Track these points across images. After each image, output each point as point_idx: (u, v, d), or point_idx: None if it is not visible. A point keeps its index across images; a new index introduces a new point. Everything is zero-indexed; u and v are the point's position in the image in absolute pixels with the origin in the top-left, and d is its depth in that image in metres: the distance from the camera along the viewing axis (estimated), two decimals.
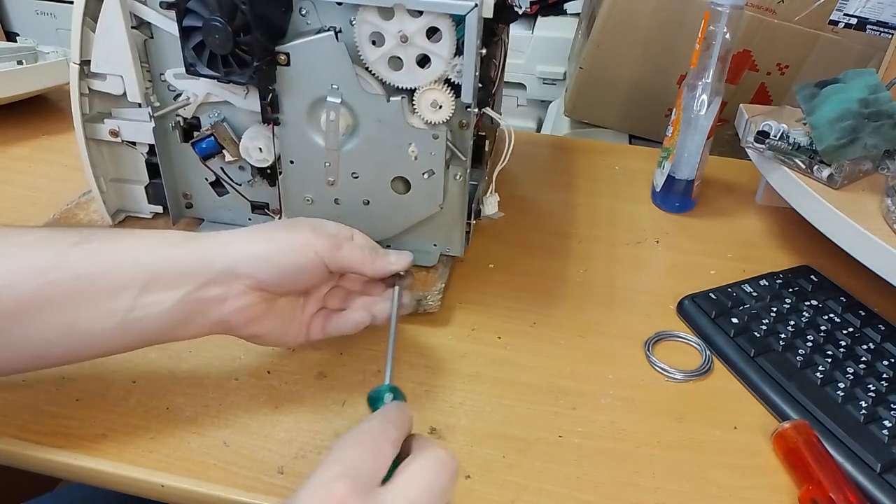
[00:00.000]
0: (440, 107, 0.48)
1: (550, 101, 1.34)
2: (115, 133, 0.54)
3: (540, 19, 1.36)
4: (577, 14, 1.22)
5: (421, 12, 0.44)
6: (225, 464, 0.40)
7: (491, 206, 0.56)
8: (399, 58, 0.47)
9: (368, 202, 0.53)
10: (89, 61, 0.51)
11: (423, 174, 0.51)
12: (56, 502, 0.56)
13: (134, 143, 0.55)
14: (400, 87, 0.48)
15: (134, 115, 0.53)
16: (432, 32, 0.45)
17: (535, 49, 1.31)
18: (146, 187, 0.57)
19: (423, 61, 0.47)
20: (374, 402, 0.38)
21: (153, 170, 0.56)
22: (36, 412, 0.42)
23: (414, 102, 0.48)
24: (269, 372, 0.47)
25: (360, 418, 0.43)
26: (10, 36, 1.51)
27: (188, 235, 0.40)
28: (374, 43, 0.47)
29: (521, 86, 1.35)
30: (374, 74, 0.48)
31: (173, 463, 0.40)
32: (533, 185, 0.74)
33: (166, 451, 0.41)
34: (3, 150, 0.71)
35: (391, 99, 0.48)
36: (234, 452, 0.41)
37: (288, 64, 0.48)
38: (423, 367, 0.48)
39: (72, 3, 0.48)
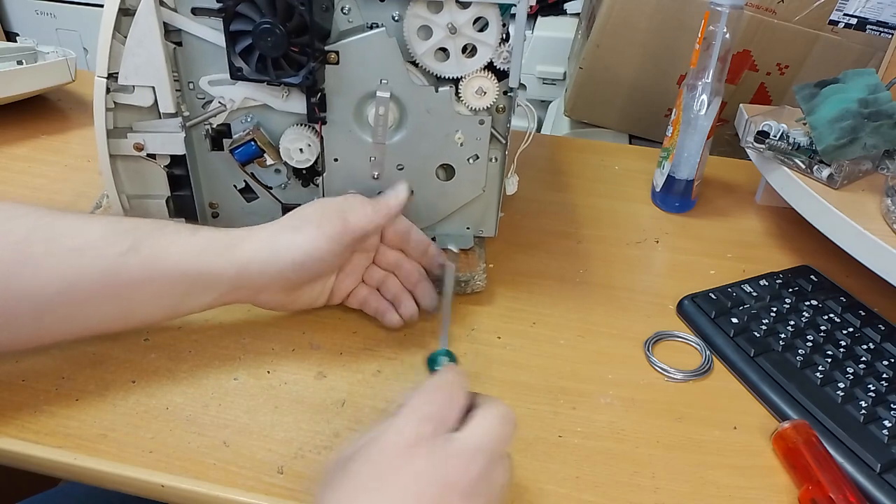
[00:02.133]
0: (484, 93, 0.50)
1: (550, 101, 1.34)
2: (139, 147, 0.51)
3: (540, 19, 1.36)
4: (577, 14, 1.22)
5: (469, 4, 0.46)
6: (225, 464, 0.40)
7: (512, 185, 0.57)
8: (444, 49, 0.48)
9: (412, 192, 0.54)
10: (114, 74, 0.49)
11: (468, 159, 0.53)
12: (55, 500, 0.56)
13: (154, 157, 0.53)
14: (445, 76, 0.49)
15: (160, 127, 0.51)
16: (476, 22, 0.47)
17: (535, 49, 1.31)
18: (167, 200, 0.55)
19: (465, 50, 0.49)
20: (433, 362, 0.46)
21: (175, 182, 0.54)
22: (35, 412, 0.42)
23: (459, 91, 0.50)
24: (269, 372, 0.47)
25: (360, 418, 0.44)
26: (10, 36, 1.50)
27: (223, 240, 0.44)
28: (418, 36, 0.48)
29: (521, 86, 1.35)
30: (419, 67, 0.49)
31: (173, 463, 0.40)
32: (533, 185, 0.74)
33: (166, 451, 0.41)
34: (2, 150, 0.71)
35: (440, 89, 0.50)
36: (234, 452, 0.41)
37: (337, 62, 0.49)
38: (423, 367, 0.48)
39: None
